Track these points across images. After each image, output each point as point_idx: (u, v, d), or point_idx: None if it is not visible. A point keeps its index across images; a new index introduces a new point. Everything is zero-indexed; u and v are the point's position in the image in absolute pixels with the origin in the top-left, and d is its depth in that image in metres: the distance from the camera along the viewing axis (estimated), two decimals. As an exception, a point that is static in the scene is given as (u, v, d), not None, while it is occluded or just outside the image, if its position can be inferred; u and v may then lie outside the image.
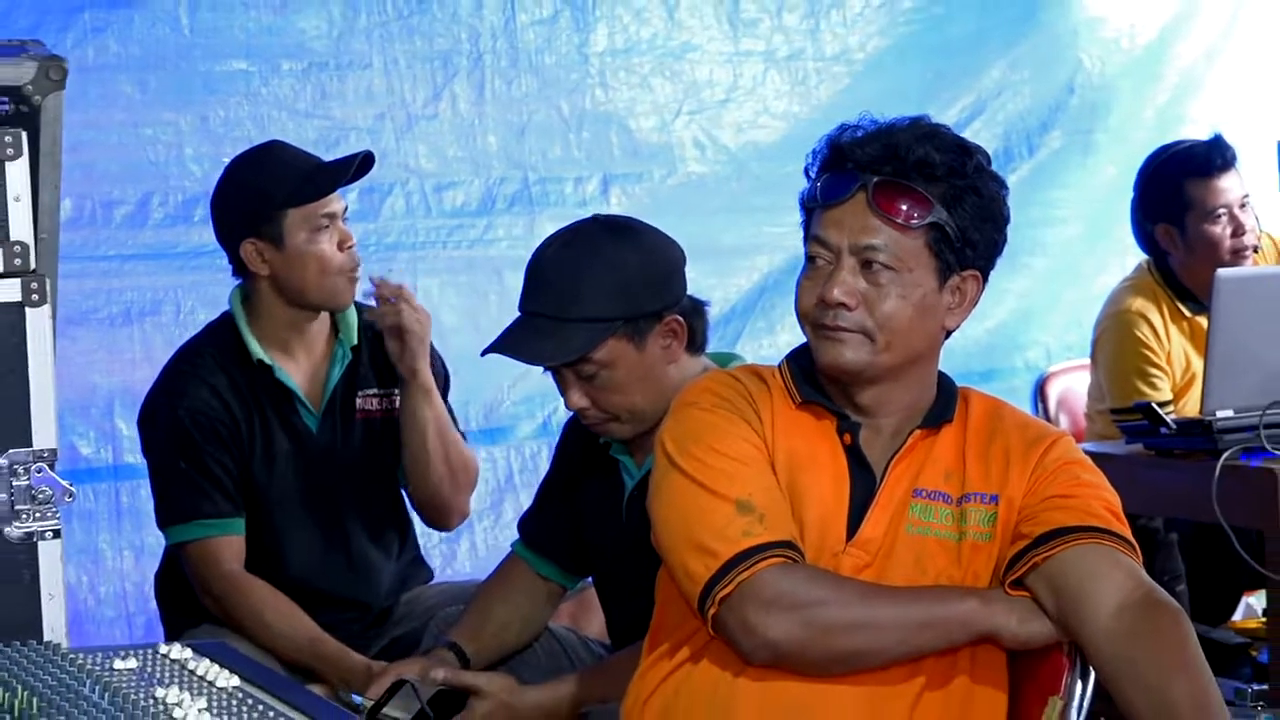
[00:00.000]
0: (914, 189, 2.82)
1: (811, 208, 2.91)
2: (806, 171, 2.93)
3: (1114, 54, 6.42)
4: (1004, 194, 2.92)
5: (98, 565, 5.06)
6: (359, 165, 4.15)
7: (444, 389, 4.34)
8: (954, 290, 2.88)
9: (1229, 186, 5.07)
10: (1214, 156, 5.09)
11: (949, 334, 2.95)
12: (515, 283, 5.30)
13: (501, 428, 5.52)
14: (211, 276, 5.10)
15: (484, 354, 3.60)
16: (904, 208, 2.82)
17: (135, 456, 5.00)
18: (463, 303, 5.38)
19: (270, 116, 5.26)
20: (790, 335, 5.66)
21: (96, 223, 5.08)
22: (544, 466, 5.38)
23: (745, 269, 5.85)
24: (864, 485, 2.90)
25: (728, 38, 5.86)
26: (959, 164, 2.86)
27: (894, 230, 2.83)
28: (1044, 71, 6.33)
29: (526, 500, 5.32)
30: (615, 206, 5.59)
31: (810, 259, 2.90)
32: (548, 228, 5.30)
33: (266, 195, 4.11)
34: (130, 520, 5.09)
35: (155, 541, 4.97)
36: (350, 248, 4.13)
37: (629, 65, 5.75)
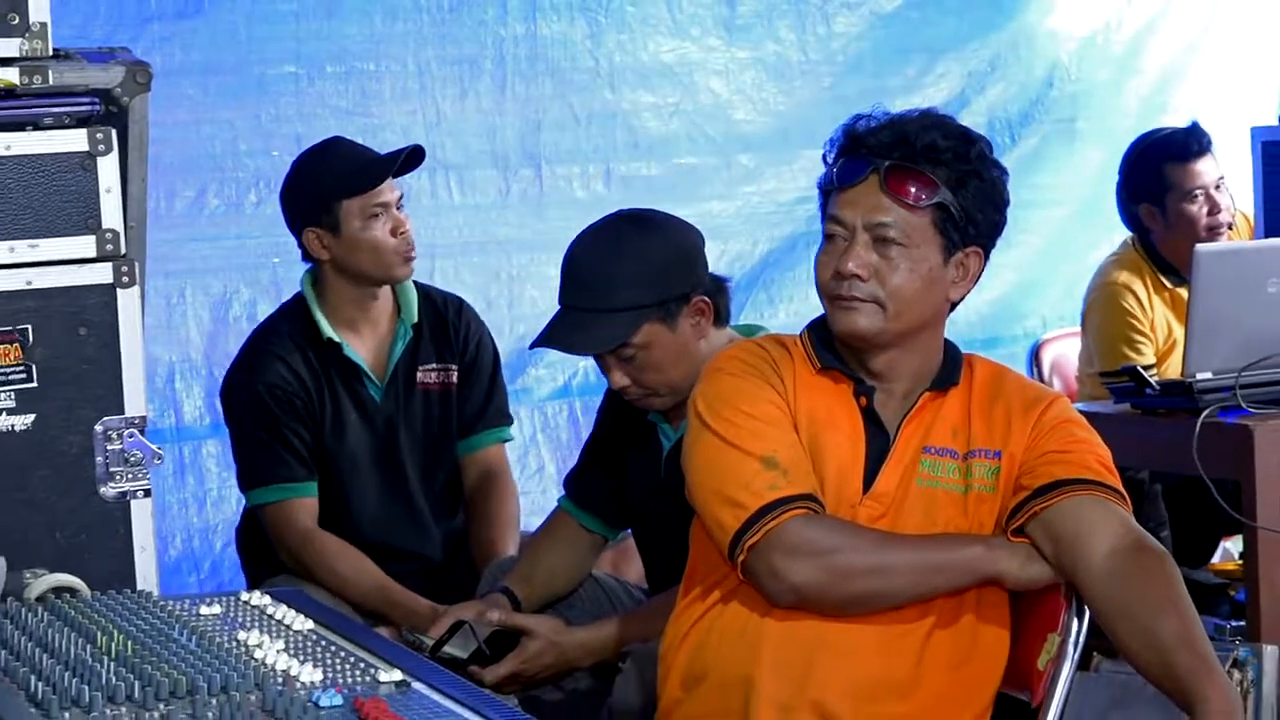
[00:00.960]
0: (922, 172, 2.82)
1: (828, 190, 2.90)
2: (824, 158, 2.92)
3: (1091, 50, 6.42)
4: (1004, 179, 2.91)
5: (163, 517, 5.09)
6: (411, 158, 4.14)
7: (494, 366, 4.34)
8: (958, 265, 2.87)
9: (1205, 169, 5.04)
10: (1191, 142, 5.07)
11: (954, 306, 2.94)
12: (523, 261, 5.50)
13: (526, 389, 5.55)
14: (257, 260, 5.19)
15: (532, 348, 3.61)
16: (913, 189, 2.81)
17: (195, 419, 5.10)
18: (476, 280, 5.36)
19: (315, 114, 5.26)
20: (788, 306, 5.73)
21: (159, 210, 5.10)
22: (564, 425, 5.56)
23: (747, 249, 5.84)
24: (878, 443, 2.89)
25: (724, 44, 5.88)
26: (963, 150, 2.85)
27: (903, 209, 2.82)
28: (1023, 69, 6.33)
29: (549, 456, 5.47)
30: (617, 193, 5.62)
31: (828, 236, 2.89)
32: (556, 213, 5.48)
33: (323, 188, 4.11)
34: (192, 476, 5.12)
35: (215, 495, 5.09)
36: (403, 233, 4.12)
37: (635, 68, 5.76)
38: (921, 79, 6.14)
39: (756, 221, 5.88)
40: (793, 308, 5.77)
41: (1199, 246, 4.24)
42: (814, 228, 6.00)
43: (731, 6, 5.87)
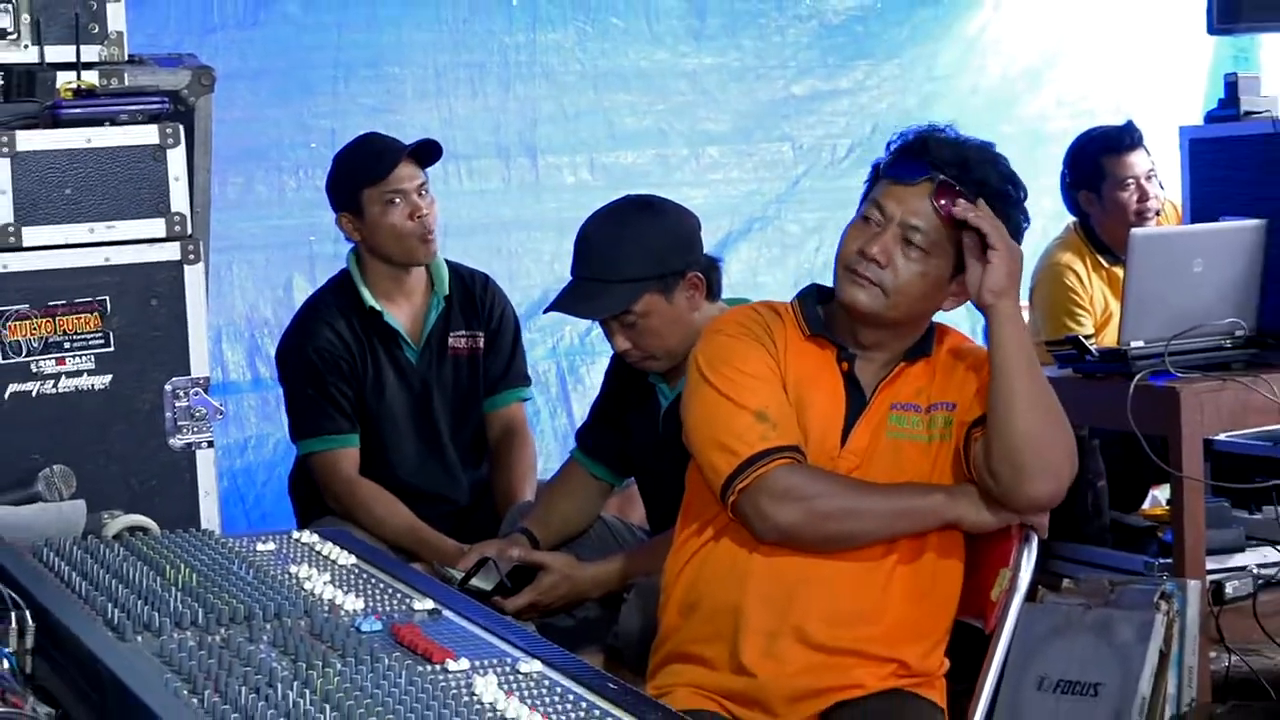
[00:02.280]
0: (966, 196, 2.77)
1: (882, 176, 2.86)
2: (888, 145, 2.88)
3: (1015, 61, 6.43)
4: (1026, 226, 2.87)
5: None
6: (431, 151, 4.13)
7: (515, 335, 4.33)
8: (960, 283, 2.83)
9: (1136, 161, 5.03)
10: (1124, 136, 5.06)
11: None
12: (521, 238, 5.60)
13: (521, 350, 5.68)
14: (295, 238, 5.23)
15: (545, 312, 3.61)
16: (953, 208, 2.76)
17: (238, 375, 5.16)
18: (480, 255, 5.33)
19: (347, 112, 5.28)
20: (744, 282, 5.72)
21: (212, 195, 5.15)
22: (554, 380, 5.68)
23: (710, 230, 5.87)
24: (856, 403, 2.88)
25: (694, 51, 5.92)
26: (1005, 190, 2.82)
27: (938, 221, 2.78)
28: (956, 77, 6.33)
29: (541, 405, 5.56)
30: (600, 180, 5.65)
31: (865, 216, 2.84)
32: (549, 197, 5.60)
33: (348, 178, 4.13)
34: (234, 425, 5.14)
35: (255, 441, 5.14)
36: (420, 217, 4.10)
37: (617, 73, 5.79)
38: (865, 82, 6.16)
39: (721, 206, 5.90)
40: (747, 285, 5.79)
41: (1134, 230, 4.23)
42: (768, 213, 6.12)
43: (701, 19, 5.91)
